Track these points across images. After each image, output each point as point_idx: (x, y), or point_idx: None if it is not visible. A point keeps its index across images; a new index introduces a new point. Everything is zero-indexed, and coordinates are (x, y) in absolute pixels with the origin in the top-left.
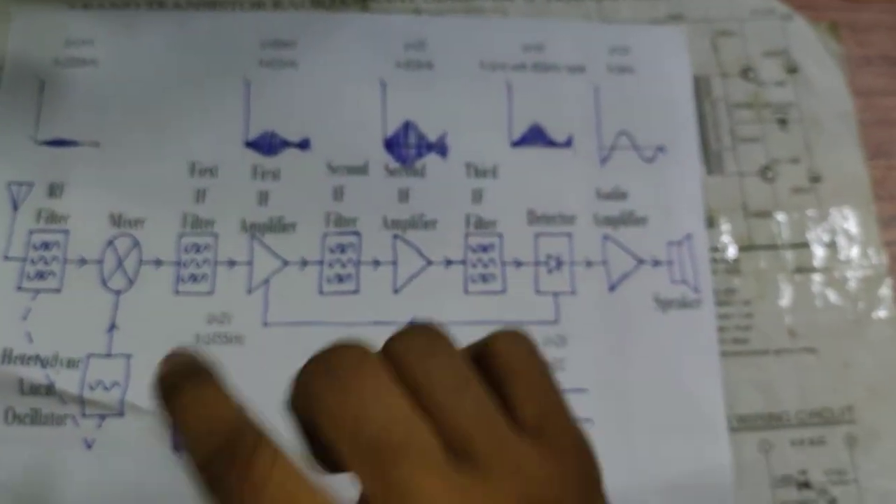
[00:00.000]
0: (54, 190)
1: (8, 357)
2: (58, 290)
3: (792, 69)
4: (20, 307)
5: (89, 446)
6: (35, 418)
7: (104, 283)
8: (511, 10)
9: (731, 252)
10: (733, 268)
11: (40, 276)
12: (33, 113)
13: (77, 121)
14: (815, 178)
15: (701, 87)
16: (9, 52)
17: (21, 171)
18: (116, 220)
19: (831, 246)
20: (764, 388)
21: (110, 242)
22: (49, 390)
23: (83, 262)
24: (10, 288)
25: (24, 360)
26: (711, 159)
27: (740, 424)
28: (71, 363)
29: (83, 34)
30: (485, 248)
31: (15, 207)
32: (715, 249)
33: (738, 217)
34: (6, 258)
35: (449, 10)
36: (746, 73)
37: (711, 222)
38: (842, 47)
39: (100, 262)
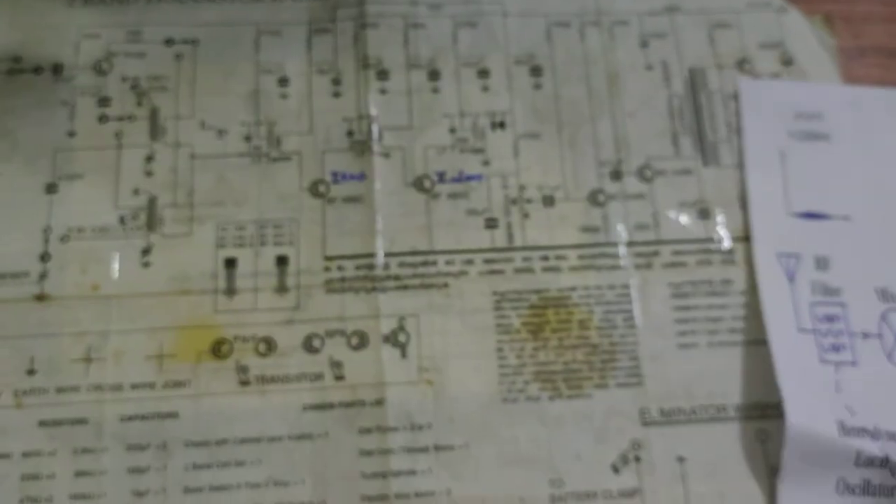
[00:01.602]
0: (820, 263)
1: (842, 429)
2: (853, 363)
3: (787, 61)
4: (829, 379)
5: None
6: (865, 489)
7: (889, 357)
8: (508, 2)
9: (727, 243)
10: (729, 259)
11: (834, 349)
12: (781, 185)
13: (823, 194)
14: None
15: (697, 79)
16: (745, 126)
17: (785, 243)
18: (883, 295)
19: None
20: (763, 377)
21: (883, 316)
22: (883, 463)
23: (866, 335)
24: (815, 360)
25: (855, 432)
26: (707, 151)
27: (737, 414)
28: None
29: (812, 108)
30: None
31: (791, 279)
32: (710, 240)
33: (733, 208)
34: (800, 330)
35: (445, 2)
36: (742, 64)
37: (707, 214)
38: (836, 40)
39: (879, 335)
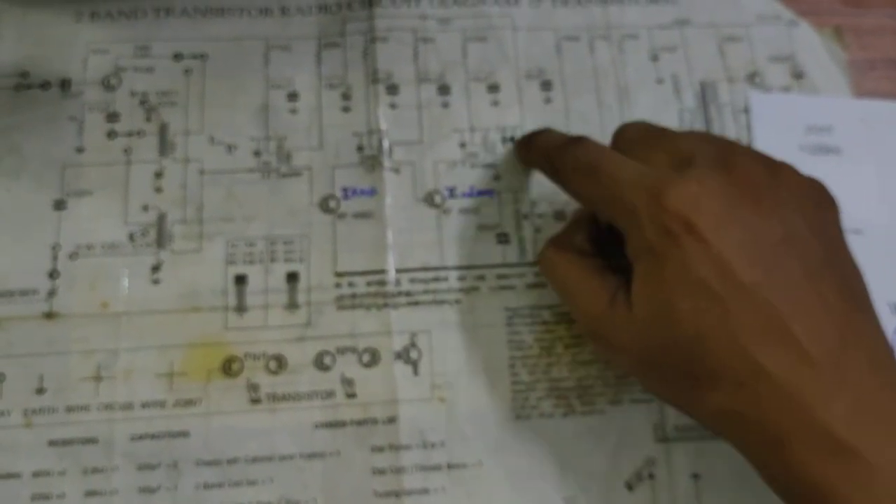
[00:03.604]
0: None
1: None
2: None
3: (798, 75)
4: None
5: None
6: None
7: None
8: (517, 16)
9: None
10: None
11: None
12: None
13: None
14: None
15: (707, 93)
16: (756, 140)
17: None
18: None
19: None
20: None
21: None
22: None
23: None
24: None
25: None
26: None
27: None
28: None
29: (823, 122)
30: None
31: None
32: None
33: None
34: None
35: (455, 16)
36: (753, 78)
37: None
38: (846, 53)
39: None
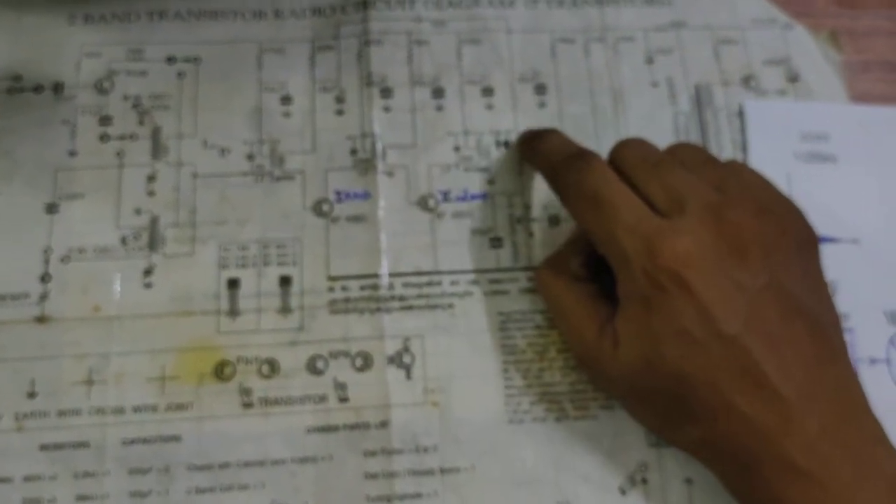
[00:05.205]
0: None
1: None
2: None
3: (793, 78)
4: None
5: None
6: None
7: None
8: (512, 18)
9: None
10: None
11: None
12: None
13: (831, 217)
14: None
15: (702, 96)
16: (751, 149)
17: None
18: (892, 318)
19: None
20: None
21: (892, 341)
22: None
23: (873, 361)
24: None
25: None
26: None
27: None
28: None
29: (818, 128)
30: None
31: None
32: None
33: None
34: None
35: (450, 18)
36: (748, 81)
37: None
38: (842, 56)
39: (886, 361)
